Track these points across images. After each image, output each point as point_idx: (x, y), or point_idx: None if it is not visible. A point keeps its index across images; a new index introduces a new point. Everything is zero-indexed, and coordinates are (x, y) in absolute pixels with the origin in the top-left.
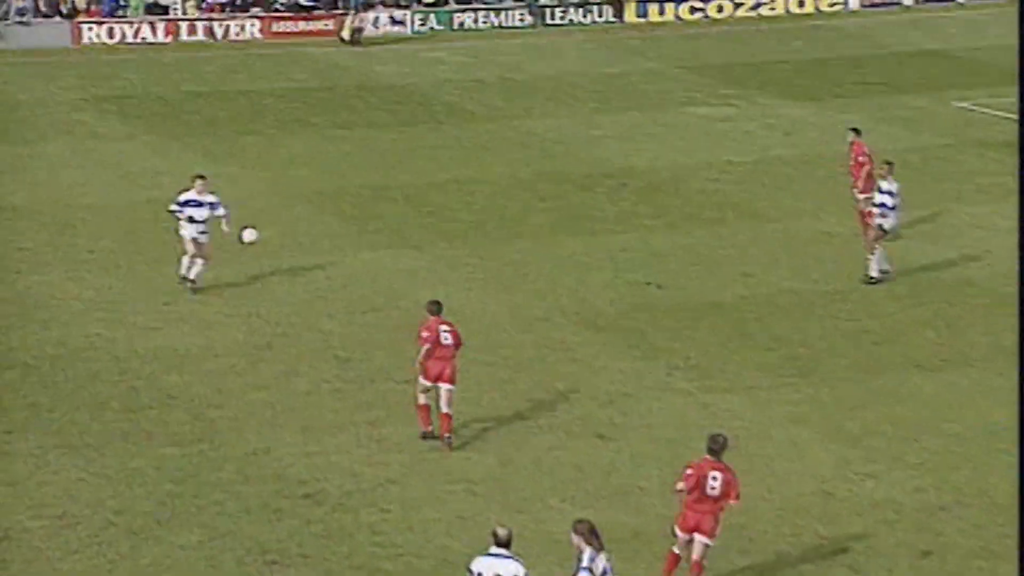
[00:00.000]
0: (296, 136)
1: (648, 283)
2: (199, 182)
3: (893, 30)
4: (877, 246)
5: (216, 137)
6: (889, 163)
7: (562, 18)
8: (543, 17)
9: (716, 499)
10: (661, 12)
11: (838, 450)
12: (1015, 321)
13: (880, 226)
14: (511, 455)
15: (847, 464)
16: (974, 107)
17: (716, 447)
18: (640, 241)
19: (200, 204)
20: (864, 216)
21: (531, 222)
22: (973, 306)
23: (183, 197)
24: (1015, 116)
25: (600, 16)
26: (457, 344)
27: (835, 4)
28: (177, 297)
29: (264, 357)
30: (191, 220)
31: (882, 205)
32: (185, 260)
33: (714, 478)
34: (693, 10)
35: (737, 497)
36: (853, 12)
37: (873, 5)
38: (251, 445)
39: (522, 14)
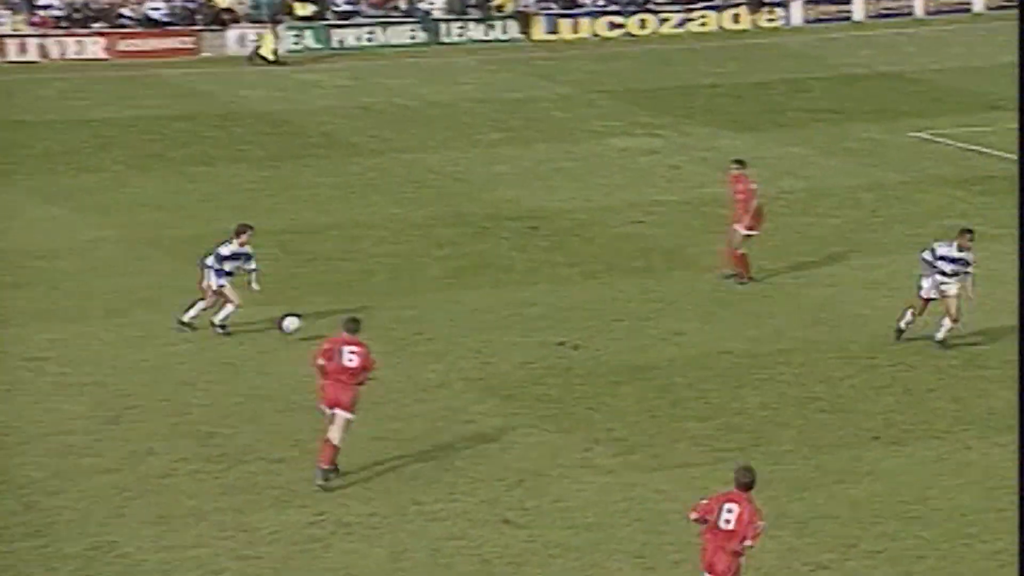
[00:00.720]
0: (148, 174)
1: (562, 343)
2: (247, 234)
3: (841, 49)
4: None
5: (50, 174)
6: (968, 231)
7: (459, 35)
8: (437, 33)
9: (729, 535)
10: (574, 28)
11: (784, 538)
12: (986, 385)
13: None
14: (405, 546)
15: (794, 554)
16: (935, 138)
17: (745, 480)
18: (553, 294)
19: (238, 257)
20: (736, 256)
21: (426, 273)
22: (937, 368)
23: (225, 251)
24: (983, 149)
25: (503, 32)
26: (363, 368)
27: (774, 19)
28: (5, 364)
29: (111, 434)
30: (228, 274)
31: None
32: (200, 306)
33: (729, 511)
34: (611, 26)
35: (755, 538)
36: (795, 28)
37: (818, 20)
38: (94, 539)
39: (413, 30)
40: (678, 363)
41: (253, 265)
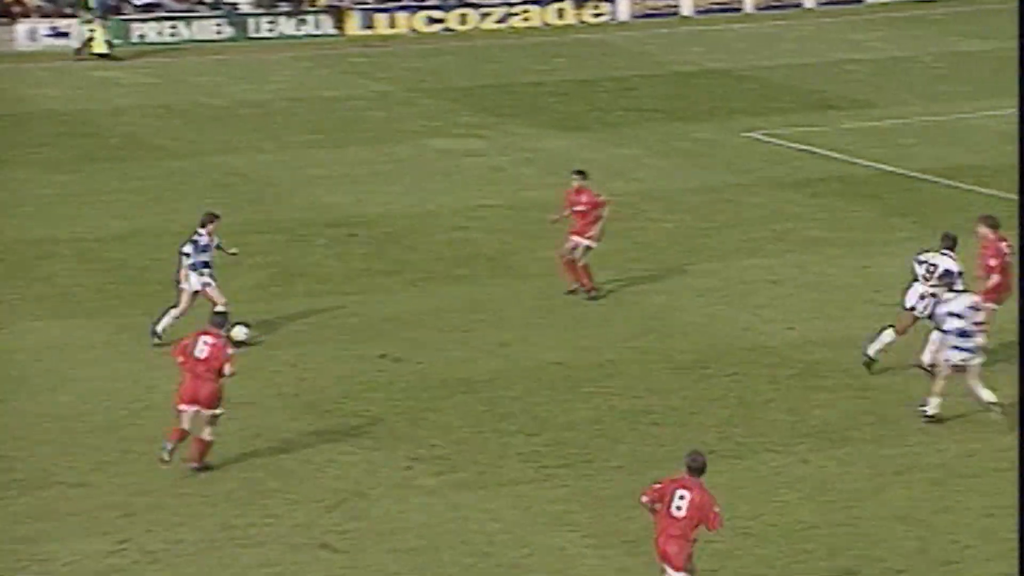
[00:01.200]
0: None
1: (382, 355)
2: (215, 223)
3: (670, 45)
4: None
5: None
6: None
7: (269, 30)
8: (245, 29)
9: (680, 521)
10: (391, 23)
11: (615, 557)
12: (822, 396)
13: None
14: (214, 575)
15: (625, 574)
16: (767, 138)
17: (695, 465)
18: (372, 304)
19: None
20: (577, 268)
21: (236, 283)
22: (772, 378)
23: (203, 241)
24: (816, 149)
25: (316, 28)
26: (216, 361)
27: (600, 14)
28: None
29: None
30: (207, 266)
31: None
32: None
33: (681, 497)
34: (430, 21)
35: (716, 523)
36: (622, 24)
37: (646, 15)
38: None
39: (219, 24)
40: (504, 375)
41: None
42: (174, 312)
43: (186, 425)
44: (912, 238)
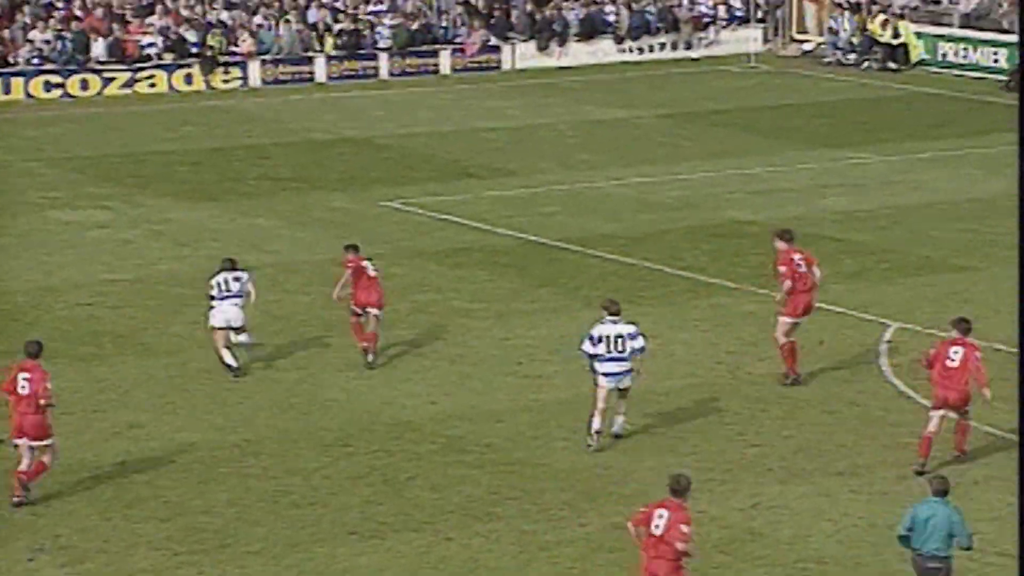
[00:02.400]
0: None
1: (1, 440)
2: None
3: (305, 112)
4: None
5: None
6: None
7: None
8: None
9: (659, 541)
10: (6, 89)
11: None
12: (465, 471)
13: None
14: None
15: None
16: (407, 207)
17: (676, 486)
18: None
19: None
20: (364, 333)
21: None
22: (415, 454)
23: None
24: (457, 218)
25: None
26: (37, 396)
27: (231, 80)
28: None
29: None
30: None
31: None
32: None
33: (660, 516)
34: (49, 86)
35: (683, 541)
36: (254, 90)
37: (278, 81)
38: None
39: None
40: (134, 459)
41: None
42: None
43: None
44: (555, 308)
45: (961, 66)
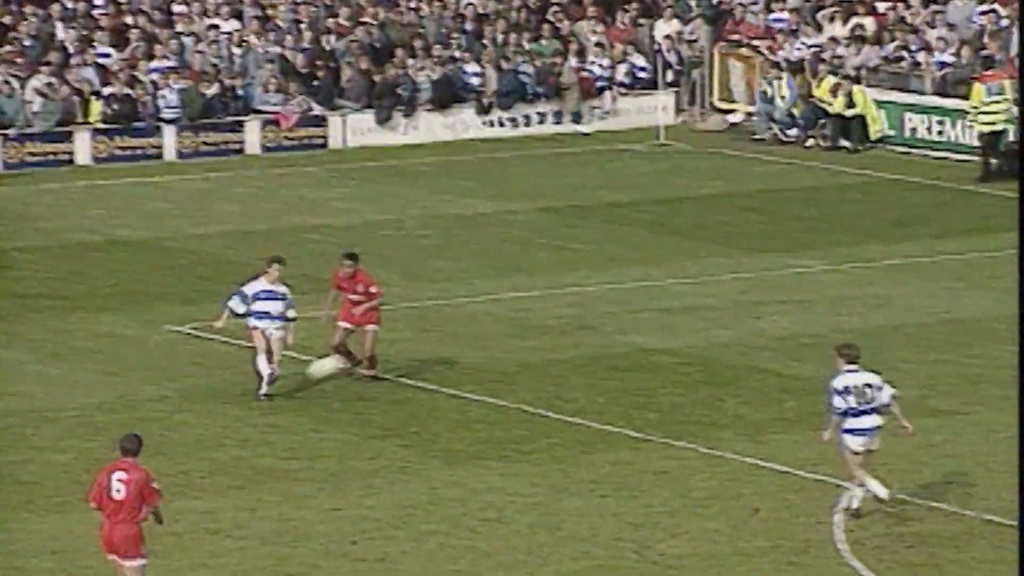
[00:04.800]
0: None
1: None
2: (275, 267)
3: (62, 206)
4: None
5: None
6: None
7: None
8: None
9: (121, 504)
10: None
11: None
12: None
13: None
14: None
15: None
16: (201, 332)
17: (129, 446)
18: None
19: (273, 297)
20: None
21: None
22: None
23: (252, 288)
24: None
25: None
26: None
27: None
28: None
29: None
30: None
31: None
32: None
33: (119, 479)
34: None
35: (153, 499)
36: None
37: (24, 164)
38: None
39: None
40: None
41: (292, 313)
42: None
43: None
44: (402, 467)
45: (934, 144)
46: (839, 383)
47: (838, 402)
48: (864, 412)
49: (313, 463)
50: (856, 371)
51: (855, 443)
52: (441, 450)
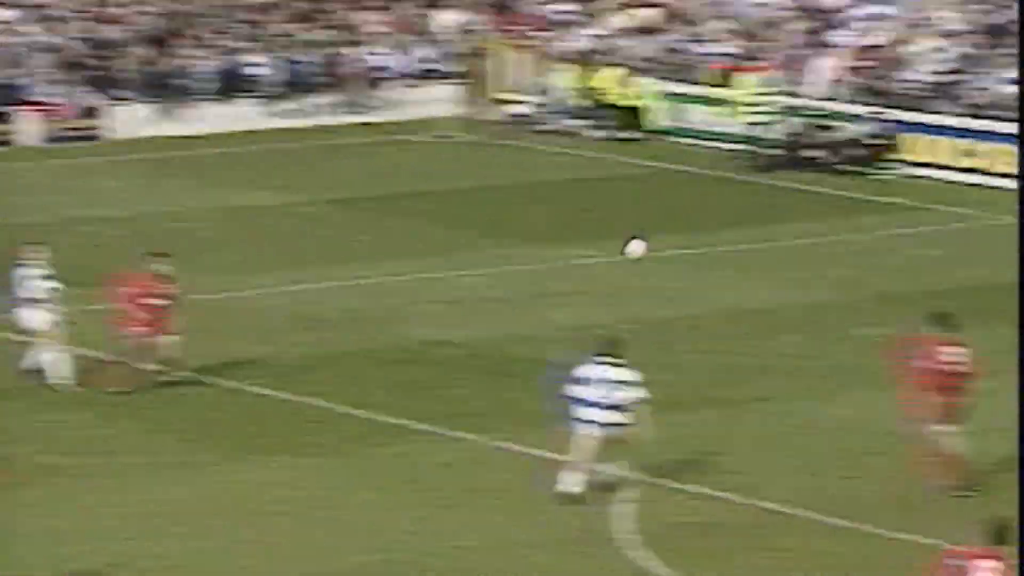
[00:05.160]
0: None
1: None
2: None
3: None
4: None
5: None
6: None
7: None
8: None
9: None
10: None
11: None
12: None
13: None
14: None
15: None
16: None
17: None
18: None
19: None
20: None
21: None
22: None
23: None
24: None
25: None
26: None
27: None
28: None
29: None
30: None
31: None
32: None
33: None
34: None
35: None
36: None
37: None
38: None
39: None
40: None
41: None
42: None
43: None
44: (183, 462)
45: (713, 135)
46: (584, 371)
47: (578, 390)
48: (603, 406)
49: (94, 459)
50: (606, 364)
51: (590, 430)
52: (226, 445)
